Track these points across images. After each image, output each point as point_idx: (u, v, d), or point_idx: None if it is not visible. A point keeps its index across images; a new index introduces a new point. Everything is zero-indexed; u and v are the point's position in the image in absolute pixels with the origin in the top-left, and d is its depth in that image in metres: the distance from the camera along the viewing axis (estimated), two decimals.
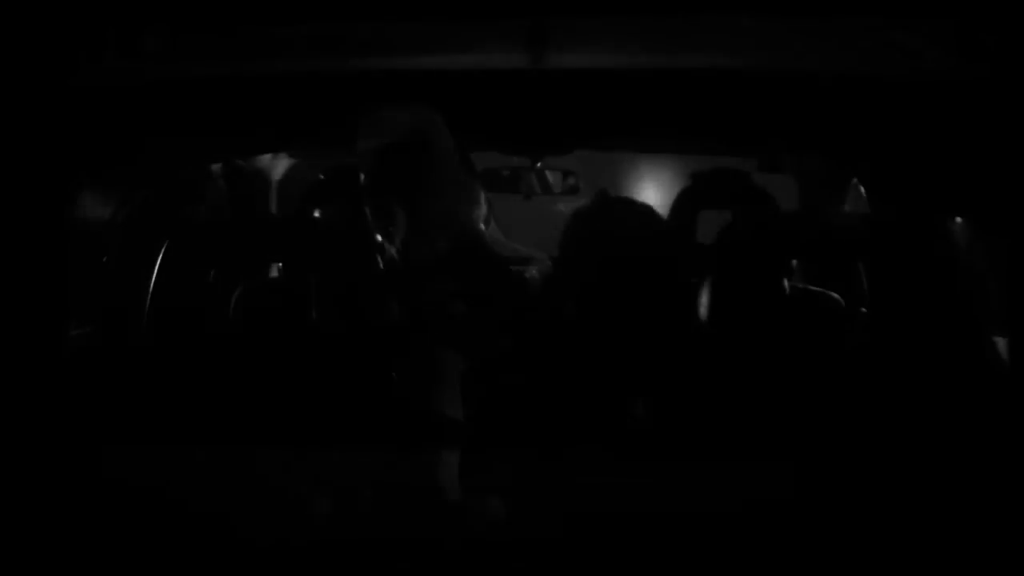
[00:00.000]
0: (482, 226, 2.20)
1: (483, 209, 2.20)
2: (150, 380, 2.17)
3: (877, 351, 2.09)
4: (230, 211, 3.06)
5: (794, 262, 2.29)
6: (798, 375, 2.03)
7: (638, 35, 1.64)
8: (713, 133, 1.97)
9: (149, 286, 2.27)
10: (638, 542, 1.35)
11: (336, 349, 2.09)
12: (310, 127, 1.84)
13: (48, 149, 1.64)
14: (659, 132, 1.91)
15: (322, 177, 3.00)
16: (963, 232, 1.99)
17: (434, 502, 1.42)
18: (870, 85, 1.58)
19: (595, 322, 2.01)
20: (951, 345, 1.94)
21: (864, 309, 2.35)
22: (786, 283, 2.21)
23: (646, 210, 2.02)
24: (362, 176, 2.22)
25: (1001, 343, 1.85)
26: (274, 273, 2.99)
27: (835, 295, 2.28)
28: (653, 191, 4.97)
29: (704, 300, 2.10)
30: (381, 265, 2.13)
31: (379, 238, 2.15)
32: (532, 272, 2.41)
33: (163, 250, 2.29)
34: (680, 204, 2.86)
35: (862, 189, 2.40)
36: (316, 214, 3.04)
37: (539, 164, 4.20)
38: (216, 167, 2.94)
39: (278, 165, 3.42)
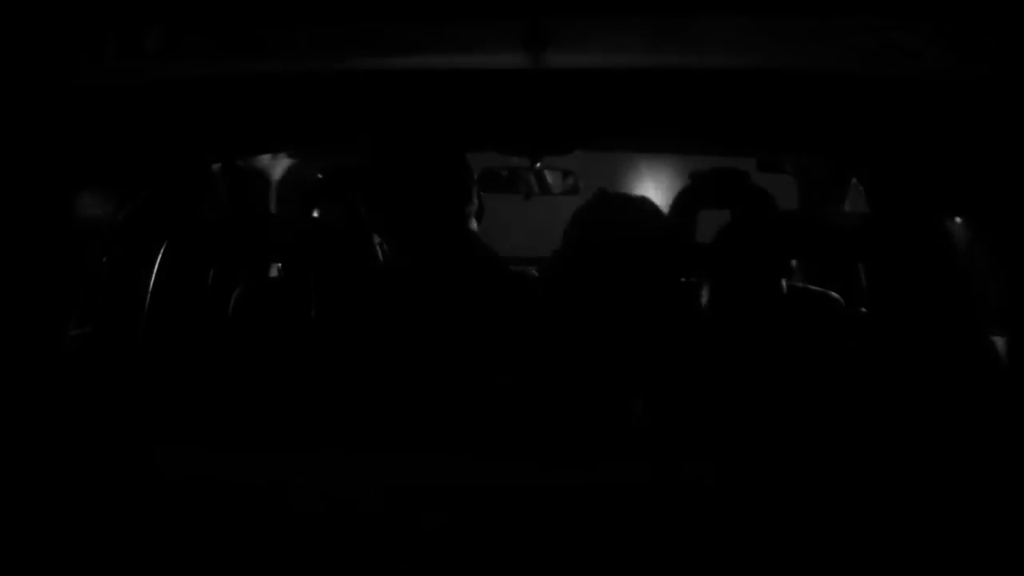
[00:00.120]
0: (474, 225, 2.20)
1: (475, 208, 2.20)
2: (150, 380, 2.17)
3: (877, 351, 2.09)
4: (230, 211, 3.07)
5: (794, 262, 2.30)
6: (798, 375, 2.03)
7: (638, 35, 1.63)
8: (713, 133, 1.97)
9: (149, 286, 2.27)
10: (637, 542, 1.35)
11: (336, 349, 2.09)
12: (309, 127, 1.84)
13: (48, 149, 1.64)
14: (659, 132, 1.91)
15: (321, 177, 3.00)
16: (963, 232, 1.99)
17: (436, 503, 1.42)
18: (870, 85, 1.58)
19: (593, 321, 2.01)
20: (951, 345, 1.94)
21: (864, 309, 2.36)
22: (786, 283, 2.21)
23: (646, 208, 2.02)
24: (361, 176, 2.23)
25: (1001, 343, 1.85)
26: (274, 273, 3.00)
27: (835, 295, 2.29)
28: (653, 191, 4.97)
29: (704, 300, 2.10)
30: (378, 265, 2.13)
31: (375, 238, 2.15)
32: (528, 271, 2.41)
33: (163, 250, 2.29)
34: (680, 204, 2.86)
35: (862, 189, 2.40)
36: (315, 214, 3.05)
37: (538, 164, 4.20)
38: (216, 167, 2.94)
39: (278, 165, 3.42)
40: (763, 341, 2.08)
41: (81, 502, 1.42)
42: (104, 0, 1.50)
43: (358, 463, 1.53)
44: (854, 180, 2.91)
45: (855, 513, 1.39)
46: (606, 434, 1.90)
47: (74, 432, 1.68)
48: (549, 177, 4.57)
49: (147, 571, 1.36)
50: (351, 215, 2.23)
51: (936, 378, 1.90)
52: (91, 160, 1.71)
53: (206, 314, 2.34)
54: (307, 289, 2.17)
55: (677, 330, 2.04)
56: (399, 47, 1.64)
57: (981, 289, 1.92)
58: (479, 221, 2.26)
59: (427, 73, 1.65)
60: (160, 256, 2.28)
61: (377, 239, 2.25)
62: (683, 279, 2.19)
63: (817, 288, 2.32)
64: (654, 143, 2.44)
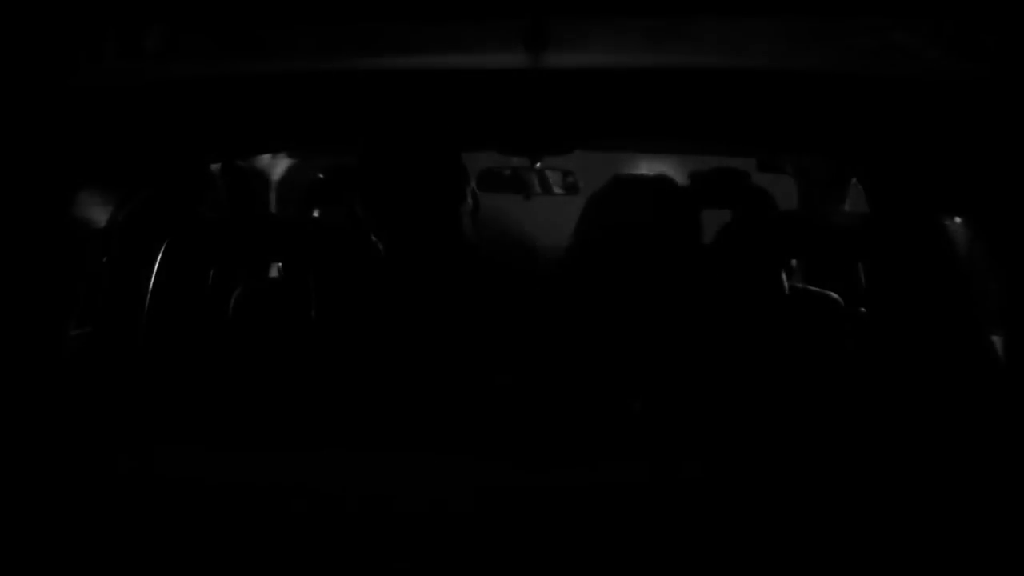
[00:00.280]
0: (469, 224, 2.20)
1: (470, 207, 2.21)
2: (150, 380, 2.17)
3: (876, 351, 2.09)
4: (230, 211, 3.07)
5: (794, 262, 2.30)
6: (797, 375, 2.03)
7: (638, 35, 1.63)
8: (713, 133, 1.97)
9: (149, 286, 2.27)
10: (638, 542, 1.35)
11: (336, 349, 2.09)
12: (309, 127, 1.84)
13: (48, 149, 1.64)
14: (659, 132, 1.91)
15: (322, 177, 3.00)
16: (963, 232, 1.99)
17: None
18: (870, 85, 1.58)
19: (609, 316, 2.01)
20: (951, 345, 1.94)
21: (864, 309, 2.35)
22: (785, 283, 2.21)
23: (666, 189, 2.02)
24: (356, 177, 2.23)
25: (1000, 343, 1.85)
26: (274, 273, 2.99)
27: (835, 295, 2.28)
28: None
29: (703, 300, 2.10)
30: (378, 265, 2.13)
31: (373, 238, 2.15)
32: (530, 269, 2.41)
33: (163, 250, 2.29)
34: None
35: (862, 189, 2.40)
36: (316, 214, 3.05)
37: (538, 164, 4.20)
38: (216, 167, 2.94)
39: (278, 165, 3.42)
40: (762, 341, 2.07)
41: (81, 502, 1.42)
42: (104, 0, 1.50)
43: (358, 463, 1.53)
44: (854, 180, 2.91)
45: (856, 513, 1.39)
46: (606, 434, 1.90)
47: (74, 432, 1.68)
48: (549, 177, 4.58)
49: (147, 571, 1.35)
50: (351, 215, 2.23)
51: (936, 378, 1.90)
52: (91, 160, 1.71)
53: (206, 314, 2.34)
54: (307, 289, 2.17)
55: (676, 330, 2.03)
56: (399, 47, 1.64)
57: (981, 289, 1.92)
58: (474, 220, 2.27)
59: (427, 73, 1.65)
60: (160, 256, 2.28)
61: (374, 239, 2.25)
62: (682, 279, 2.19)
63: (816, 288, 2.31)
64: (654, 143, 2.44)
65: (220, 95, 1.66)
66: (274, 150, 3.12)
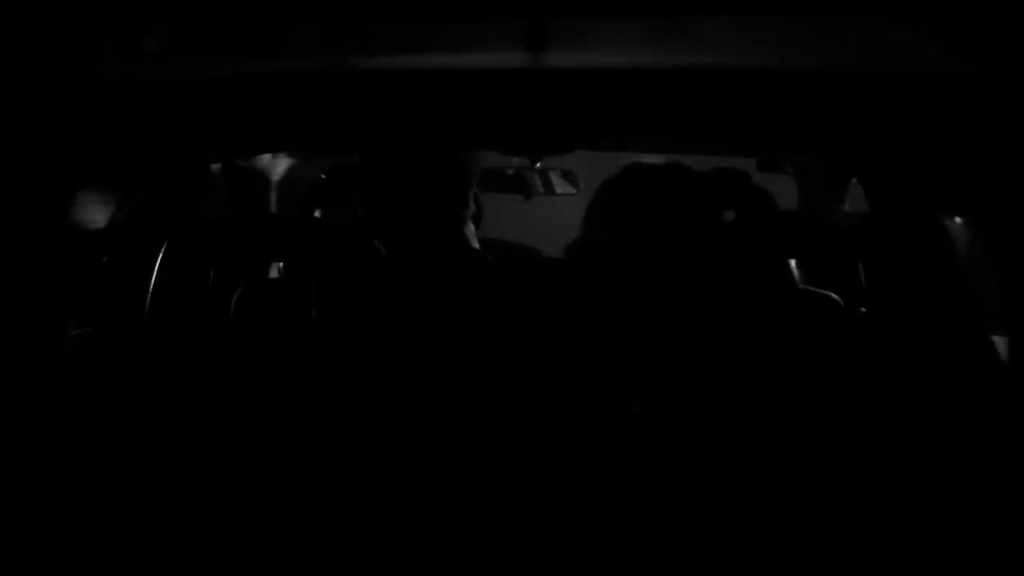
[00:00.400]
0: (472, 228, 2.20)
1: (472, 211, 2.21)
2: (150, 380, 2.17)
3: (876, 351, 2.09)
4: (230, 211, 3.06)
5: (794, 262, 2.29)
6: (797, 375, 2.03)
7: (639, 35, 1.63)
8: (713, 133, 1.97)
9: (149, 286, 2.27)
10: (639, 543, 1.36)
11: (337, 349, 2.09)
12: (310, 127, 1.84)
13: (48, 149, 1.64)
14: (659, 132, 1.91)
15: (324, 177, 3.00)
16: (963, 232, 1.99)
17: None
18: (870, 85, 1.58)
19: (587, 319, 2.01)
20: (951, 345, 1.94)
21: (864, 309, 2.35)
22: (785, 283, 2.21)
23: (683, 177, 2.01)
24: (358, 179, 2.23)
25: (1001, 343, 1.85)
26: (274, 273, 2.99)
27: (834, 295, 2.28)
28: None
29: (703, 300, 2.09)
30: (378, 266, 2.13)
31: (375, 241, 2.15)
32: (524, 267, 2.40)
33: (163, 250, 2.29)
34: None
35: (862, 189, 2.40)
36: (317, 214, 3.05)
37: (539, 164, 4.20)
38: (216, 167, 2.94)
39: (278, 165, 3.42)
40: (762, 341, 2.07)
41: (81, 503, 1.42)
42: (104, 0, 1.50)
43: (359, 463, 1.53)
44: (854, 180, 2.91)
45: (856, 513, 1.39)
46: (606, 434, 1.90)
47: (74, 432, 1.68)
48: (550, 177, 4.57)
49: (147, 571, 1.35)
50: (353, 216, 2.23)
51: (936, 378, 1.90)
52: (91, 160, 1.71)
53: (207, 314, 2.34)
54: (308, 289, 2.17)
55: (676, 331, 2.03)
56: (400, 47, 1.64)
57: (981, 289, 1.92)
58: (477, 224, 2.27)
59: (427, 73, 1.65)
60: (160, 256, 2.28)
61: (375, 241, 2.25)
62: (682, 279, 2.19)
63: (816, 288, 2.31)
64: (655, 143, 2.44)
65: (220, 95, 1.66)
66: (274, 150, 3.12)
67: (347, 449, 1.67)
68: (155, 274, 2.27)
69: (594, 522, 1.36)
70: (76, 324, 2.08)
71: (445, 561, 1.34)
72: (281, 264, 2.87)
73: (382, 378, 2.01)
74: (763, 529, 1.36)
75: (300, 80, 1.64)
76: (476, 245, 2.20)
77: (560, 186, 4.59)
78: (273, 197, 3.46)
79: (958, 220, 1.99)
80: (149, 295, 2.26)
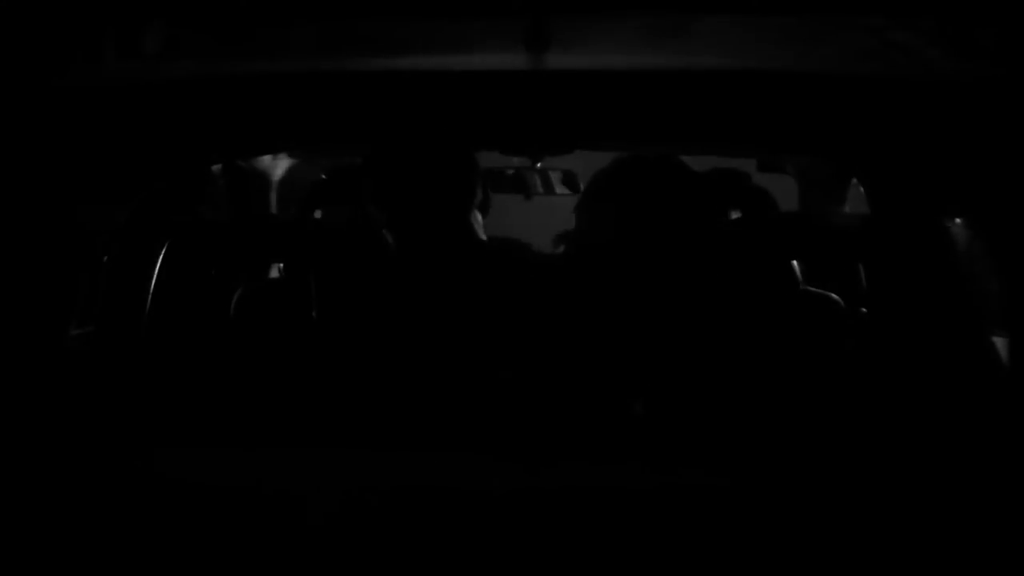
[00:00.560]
0: (479, 218, 2.21)
1: (479, 200, 2.21)
2: (151, 380, 2.17)
3: (877, 352, 2.09)
4: (230, 211, 3.07)
5: (794, 262, 2.30)
6: (797, 375, 2.03)
7: (639, 35, 1.64)
8: (713, 134, 1.97)
9: (149, 286, 2.27)
10: (640, 544, 1.36)
11: (338, 349, 2.09)
12: (310, 127, 1.84)
13: (48, 149, 1.64)
14: (659, 133, 1.91)
15: (324, 177, 3.00)
16: (963, 232, 1.99)
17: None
18: (870, 85, 1.58)
19: (586, 319, 2.01)
20: (951, 346, 1.94)
21: (864, 309, 2.35)
22: (786, 284, 2.21)
23: (675, 170, 2.01)
24: (367, 173, 2.23)
25: (1001, 343, 1.85)
26: (275, 274, 3.00)
27: (835, 296, 2.28)
28: None
29: (703, 300, 2.09)
30: (380, 264, 2.13)
31: (384, 234, 2.16)
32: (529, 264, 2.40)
33: (163, 250, 2.29)
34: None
35: (862, 189, 2.40)
36: (317, 214, 3.05)
37: (539, 164, 4.20)
38: (216, 167, 2.94)
39: (278, 165, 3.43)
40: (763, 342, 2.07)
41: (82, 503, 1.42)
42: (104, 0, 1.50)
43: (361, 463, 1.53)
44: (854, 180, 2.91)
45: (856, 513, 1.39)
46: (607, 434, 1.90)
47: (75, 432, 1.68)
48: (550, 176, 4.58)
49: (148, 572, 1.36)
50: (357, 213, 2.23)
51: (936, 379, 1.90)
52: (91, 160, 1.71)
53: (208, 315, 2.34)
54: (308, 289, 2.17)
55: (675, 331, 2.03)
56: (400, 47, 1.64)
57: (981, 289, 1.92)
58: (484, 213, 2.28)
59: (428, 73, 1.65)
60: (161, 256, 2.28)
61: (385, 235, 2.25)
62: (682, 279, 2.19)
63: (817, 289, 2.31)
64: (655, 144, 2.44)
65: (220, 95, 1.66)
66: (275, 151, 3.12)
67: (349, 448, 1.67)
68: (156, 274, 2.28)
69: (593, 521, 1.37)
70: (77, 324, 2.08)
71: (445, 561, 1.34)
72: (281, 264, 2.87)
73: (385, 375, 2.01)
74: (763, 529, 1.36)
75: (300, 81, 1.64)
76: (483, 236, 2.21)
77: (559, 186, 4.60)
78: (273, 197, 3.46)
79: (958, 221, 1.99)
80: (150, 296, 2.26)
